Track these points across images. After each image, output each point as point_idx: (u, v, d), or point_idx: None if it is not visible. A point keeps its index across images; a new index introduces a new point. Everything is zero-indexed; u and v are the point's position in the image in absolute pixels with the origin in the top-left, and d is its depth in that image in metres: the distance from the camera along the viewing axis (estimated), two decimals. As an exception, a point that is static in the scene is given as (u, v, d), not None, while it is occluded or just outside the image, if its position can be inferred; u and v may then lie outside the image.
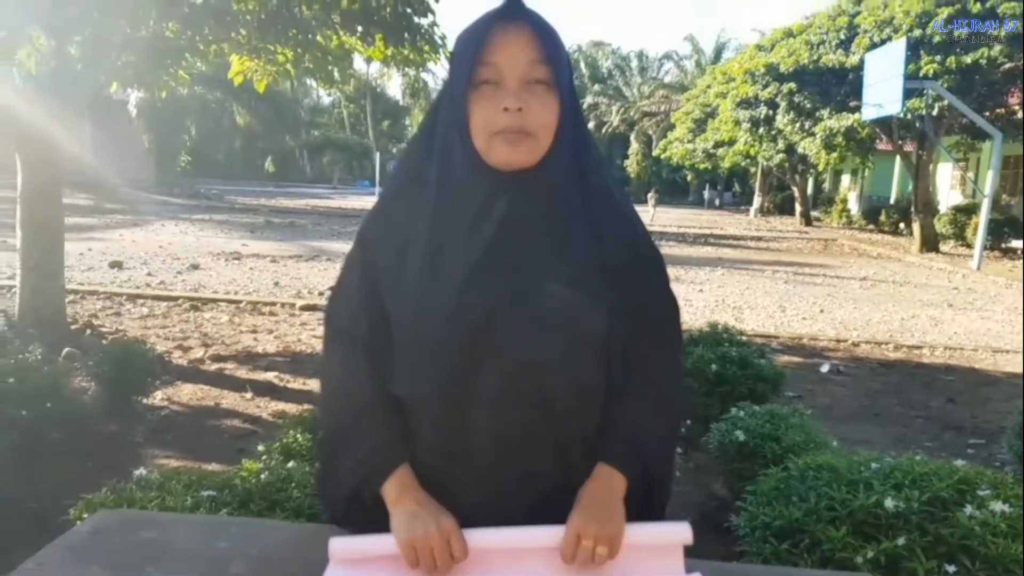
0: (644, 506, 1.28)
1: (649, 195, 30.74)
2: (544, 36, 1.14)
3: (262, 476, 2.33)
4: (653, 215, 28.64)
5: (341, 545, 1.15)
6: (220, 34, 6.01)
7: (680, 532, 1.20)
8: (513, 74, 1.13)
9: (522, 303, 1.15)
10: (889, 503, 1.78)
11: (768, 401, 3.80)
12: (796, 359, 6.67)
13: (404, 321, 1.19)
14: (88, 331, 6.31)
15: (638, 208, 1.34)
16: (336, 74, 7.00)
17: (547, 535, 1.16)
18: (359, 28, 6.29)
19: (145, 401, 4.63)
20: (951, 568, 1.66)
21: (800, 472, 2.04)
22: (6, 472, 3.31)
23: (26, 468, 3.44)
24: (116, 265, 10.28)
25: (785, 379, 4.25)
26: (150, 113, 26.59)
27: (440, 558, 1.12)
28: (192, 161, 33.64)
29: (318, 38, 6.44)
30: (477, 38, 1.13)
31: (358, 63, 7.40)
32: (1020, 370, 6.48)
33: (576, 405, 1.20)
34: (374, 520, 1.19)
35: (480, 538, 1.15)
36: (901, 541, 1.72)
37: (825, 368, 6.32)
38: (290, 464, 2.57)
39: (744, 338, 4.55)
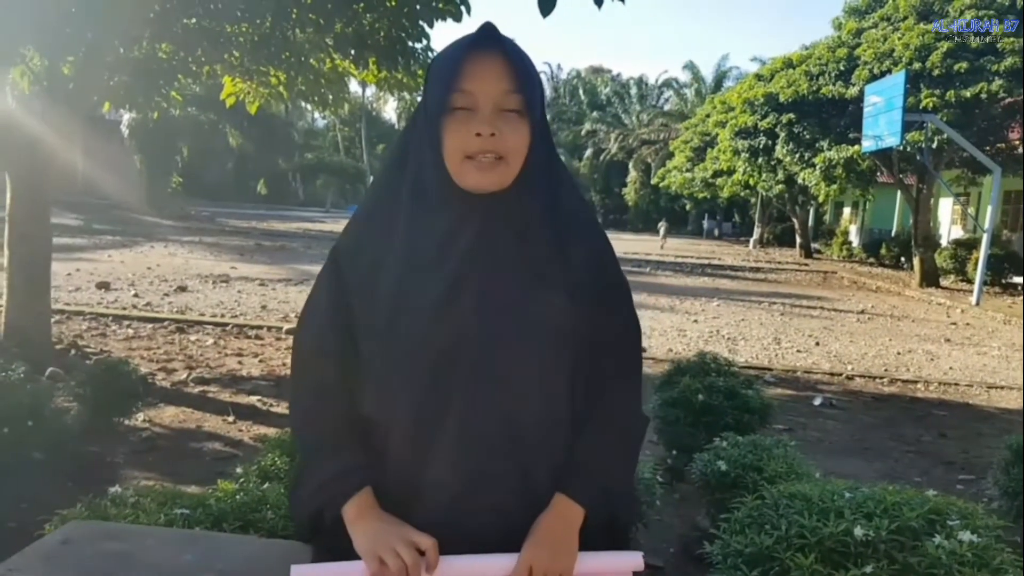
0: (606, 533, 1.28)
1: (660, 225, 32.69)
2: (517, 66, 1.16)
3: (237, 497, 2.34)
4: (663, 244, 29.31)
5: (303, 571, 1.14)
6: (213, 56, 6.06)
7: (631, 561, 1.20)
8: (487, 102, 1.15)
9: (490, 327, 1.16)
10: (858, 531, 1.76)
11: (755, 432, 3.75)
12: (789, 391, 6.63)
13: (374, 342, 1.20)
14: (73, 351, 6.28)
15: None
16: (330, 97, 7.06)
17: (500, 564, 1.15)
18: (352, 51, 6.33)
19: (127, 422, 4.60)
20: (917, 596, 1.63)
21: (774, 500, 2.01)
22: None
23: (5, 486, 3.41)
24: (103, 286, 10.27)
25: (773, 410, 4.20)
26: (142, 133, 26.72)
27: (409, 559, 1.11)
28: (184, 182, 33.70)
29: (311, 61, 6.51)
30: (452, 65, 1.15)
31: (353, 86, 7.46)
32: (1015, 406, 6.44)
33: (542, 429, 1.21)
34: (337, 539, 1.20)
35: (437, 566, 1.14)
36: (869, 569, 1.70)
37: (817, 401, 6.27)
38: (265, 485, 2.55)
39: (734, 369, 4.49)
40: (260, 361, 6.55)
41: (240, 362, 6.49)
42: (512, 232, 1.19)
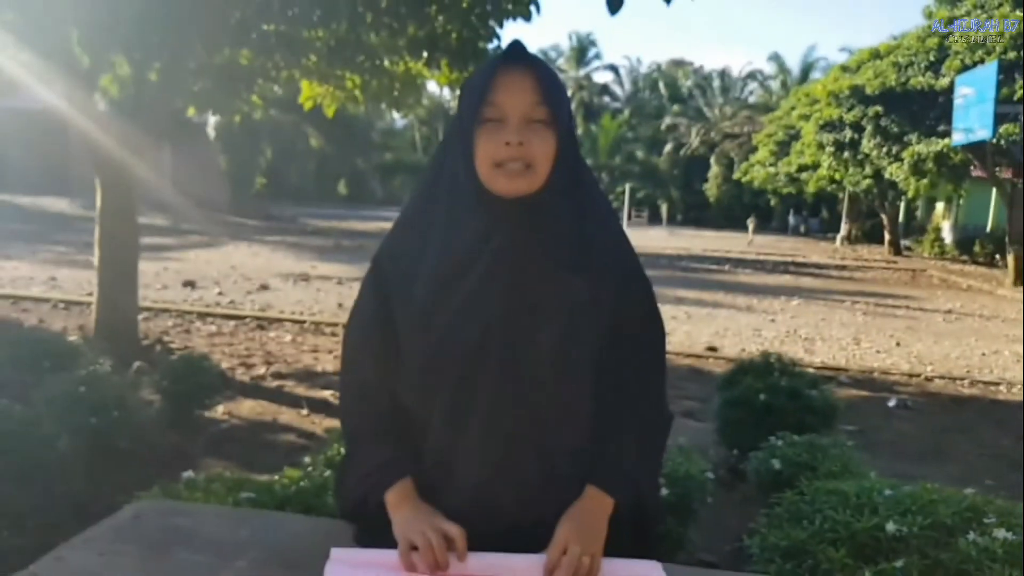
0: (634, 533, 1.35)
1: (749, 220, 32.50)
2: (544, 80, 1.25)
3: (301, 483, 2.47)
4: (752, 240, 28.96)
5: (341, 554, 1.24)
6: (290, 61, 6.29)
7: (652, 571, 1.25)
8: (515, 113, 1.23)
9: (516, 326, 1.25)
10: (891, 527, 1.78)
11: (819, 433, 3.70)
12: (863, 393, 6.47)
13: (411, 339, 1.29)
14: (158, 347, 6.60)
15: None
16: (406, 98, 7.22)
17: (528, 563, 1.21)
18: (424, 53, 6.47)
19: (207, 414, 4.81)
20: (946, 591, 1.63)
21: (812, 496, 2.01)
22: (75, 476, 3.52)
23: (92, 472, 3.64)
24: (189, 284, 10.71)
25: (838, 411, 4.14)
26: (227, 136, 27.51)
27: (438, 551, 1.19)
28: (267, 183, 34.66)
29: (385, 64, 6.67)
30: (484, 80, 1.24)
31: (432, 86, 7.62)
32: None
33: (565, 422, 1.29)
34: (378, 521, 1.30)
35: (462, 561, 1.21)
36: (899, 564, 1.70)
37: (892, 403, 6.10)
38: (327, 473, 2.66)
39: (799, 369, 4.43)
40: (335, 357, 6.75)
41: (316, 358, 6.71)
42: (539, 235, 1.27)
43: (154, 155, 6.04)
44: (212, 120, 25.21)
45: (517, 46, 1.27)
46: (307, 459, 3.08)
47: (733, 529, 3.49)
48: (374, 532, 1.31)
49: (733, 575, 1.46)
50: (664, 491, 2.65)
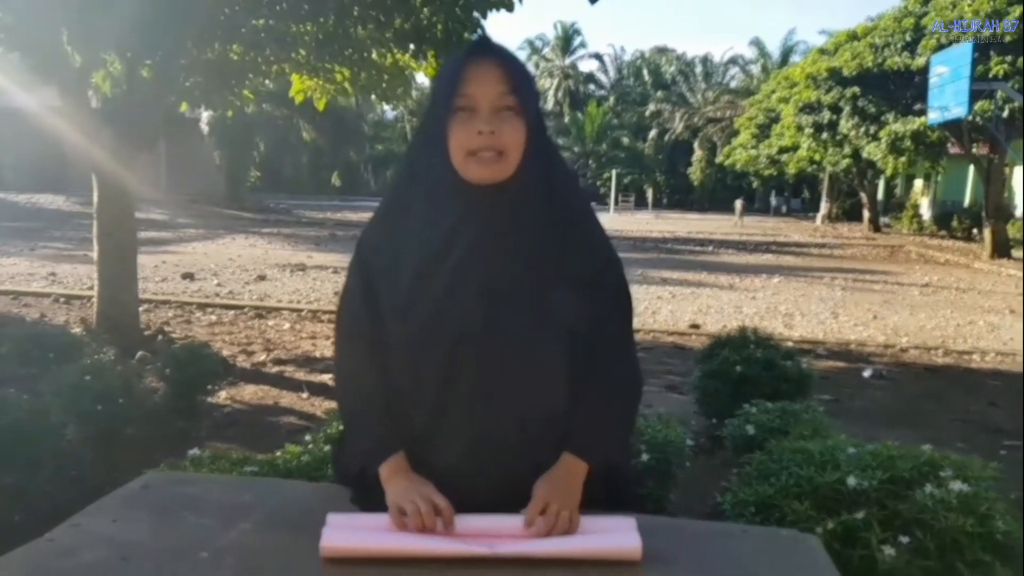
0: (612, 492, 1.46)
1: (737, 203, 32.94)
2: (512, 70, 1.32)
3: (302, 458, 2.60)
4: (741, 222, 30.22)
5: (337, 519, 1.32)
6: (281, 55, 6.37)
7: (626, 526, 1.31)
8: (485, 103, 1.31)
9: (494, 307, 1.33)
10: (851, 481, 1.94)
11: (793, 401, 3.90)
12: (840, 364, 6.69)
13: (397, 323, 1.37)
14: (160, 337, 6.70)
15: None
16: (394, 90, 7.31)
17: (510, 522, 1.31)
18: (411, 46, 6.56)
19: (210, 400, 4.92)
20: (904, 539, 1.82)
21: (779, 455, 2.20)
22: (84, 461, 3.65)
23: (102, 457, 3.78)
24: (188, 276, 10.83)
25: (811, 380, 4.33)
26: (221, 131, 27.37)
27: (426, 517, 1.28)
28: (261, 176, 34.53)
29: (373, 56, 6.76)
30: (454, 72, 1.32)
31: (421, 77, 7.69)
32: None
33: (540, 397, 1.39)
34: (372, 490, 1.41)
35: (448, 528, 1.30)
36: (860, 515, 1.87)
37: (867, 373, 6.32)
38: (327, 448, 2.82)
39: (773, 341, 4.63)
40: (332, 343, 6.87)
41: (314, 344, 6.85)
42: (513, 218, 1.34)
43: (149, 151, 6.13)
44: (205, 115, 25.10)
45: (484, 39, 1.37)
46: (308, 437, 3.23)
47: (711, 492, 3.69)
48: (369, 495, 1.41)
49: (700, 523, 1.60)
50: (645, 457, 2.84)
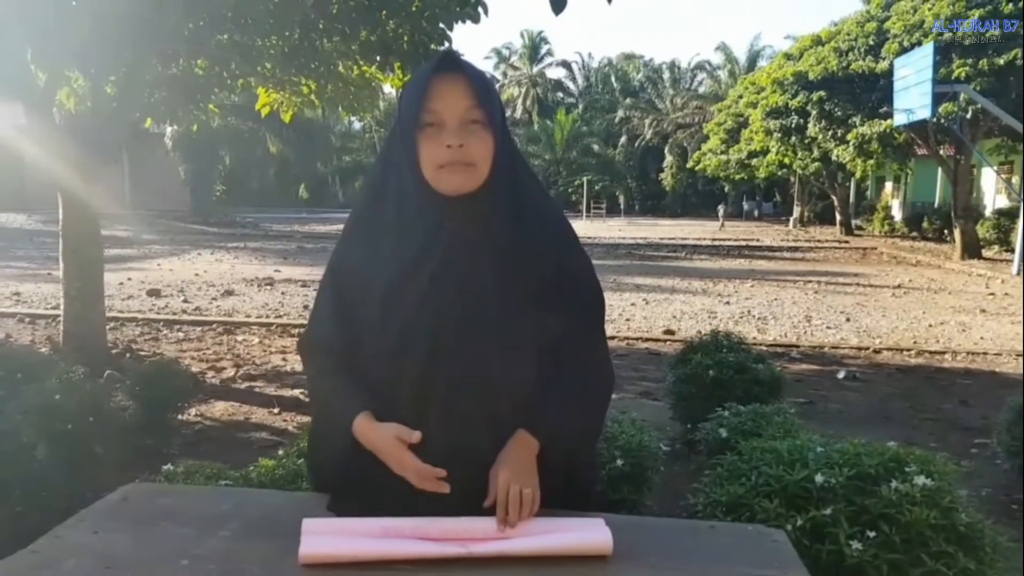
0: (574, 489, 1.47)
1: (719, 208, 34.41)
2: (477, 84, 1.34)
3: (276, 472, 2.60)
4: (722, 225, 31.32)
5: (313, 524, 1.32)
6: (246, 69, 6.33)
7: (596, 526, 1.33)
8: (452, 117, 1.33)
9: (468, 314, 1.35)
10: (819, 478, 1.96)
11: (766, 404, 3.92)
12: (814, 367, 6.75)
13: (372, 334, 1.39)
14: (128, 355, 6.63)
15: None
16: (361, 102, 7.30)
17: (481, 525, 1.31)
18: (377, 57, 6.56)
19: (180, 417, 4.89)
20: (871, 533, 1.84)
21: (749, 455, 2.21)
22: (56, 482, 3.58)
23: (72, 477, 3.72)
24: (154, 293, 10.73)
25: (783, 382, 4.37)
26: (185, 145, 27.27)
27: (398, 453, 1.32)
28: (227, 190, 34.38)
29: (339, 69, 6.75)
30: (420, 88, 1.34)
31: (388, 88, 7.69)
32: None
33: (512, 398, 1.40)
34: (348, 496, 1.43)
35: (420, 521, 1.31)
36: (828, 511, 1.89)
37: (841, 374, 6.39)
38: (300, 461, 2.80)
39: (745, 345, 4.65)
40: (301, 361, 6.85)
41: (284, 359, 6.80)
42: (483, 227, 1.37)
43: (113, 167, 6.07)
44: (169, 130, 24.90)
45: (448, 54, 1.38)
46: (280, 452, 3.20)
47: (685, 495, 3.71)
48: (345, 501, 1.42)
49: (669, 520, 1.60)
50: (619, 462, 2.85)
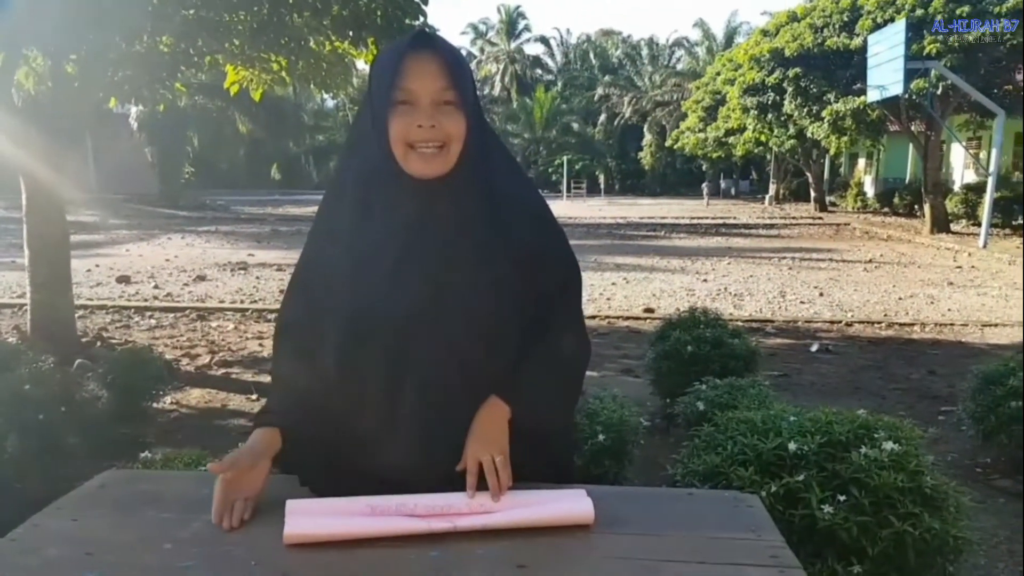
0: (551, 461, 1.48)
1: (703, 186, 35.47)
2: (451, 64, 1.32)
3: None
4: (707, 203, 31.84)
5: (296, 505, 1.32)
6: (213, 45, 6.17)
7: (577, 497, 1.34)
8: (425, 97, 1.31)
9: (440, 295, 1.34)
10: (792, 446, 1.99)
11: (742, 378, 3.96)
12: (788, 341, 6.83)
13: (340, 316, 1.37)
14: (99, 343, 6.54)
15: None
16: (334, 79, 7.17)
17: (456, 499, 1.32)
18: (350, 33, 6.43)
19: (155, 405, 4.84)
20: (842, 498, 1.89)
21: (725, 426, 2.23)
22: (29, 473, 3.54)
23: (45, 468, 3.67)
24: (124, 280, 10.56)
25: (758, 356, 4.43)
26: (151, 126, 26.63)
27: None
28: (196, 172, 33.79)
29: (311, 44, 6.61)
30: (393, 65, 1.31)
31: (361, 64, 7.56)
32: (1007, 341, 6.59)
33: (492, 371, 1.40)
34: (322, 472, 1.42)
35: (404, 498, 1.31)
36: (800, 477, 1.92)
37: (814, 347, 6.47)
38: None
39: (722, 321, 4.70)
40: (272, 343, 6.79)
41: (261, 344, 6.74)
42: (455, 210, 1.35)
43: (77, 150, 5.94)
44: (134, 110, 24.45)
45: (423, 32, 1.36)
46: (259, 438, 3.18)
47: (665, 467, 3.74)
48: (317, 476, 1.43)
49: (648, 489, 1.62)
50: (601, 437, 2.88)
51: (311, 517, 1.28)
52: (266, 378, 5.59)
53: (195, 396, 5.23)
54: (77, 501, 1.44)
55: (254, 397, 5.18)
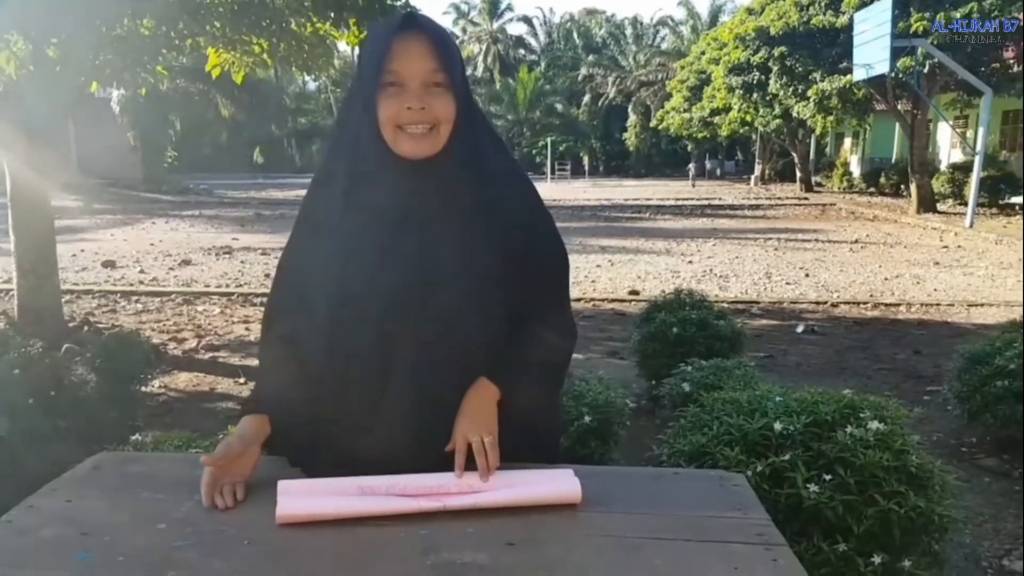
0: (536, 443, 1.48)
1: (690, 166, 35.56)
2: (441, 46, 1.32)
3: None
4: (693, 184, 32.14)
5: (288, 485, 1.33)
6: (194, 28, 6.11)
7: (565, 476, 1.36)
8: (415, 79, 1.31)
9: (430, 273, 1.35)
10: (778, 426, 2.01)
11: (727, 359, 4.00)
12: (774, 322, 6.87)
13: (327, 297, 1.38)
14: (86, 328, 6.53)
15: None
16: (315, 61, 7.11)
17: (446, 479, 1.33)
18: (332, 14, 6.39)
19: (144, 389, 4.83)
20: (827, 477, 1.91)
21: (711, 406, 2.26)
22: (20, 457, 3.54)
23: (36, 452, 3.67)
24: (109, 264, 10.52)
25: (743, 337, 4.46)
26: (133, 110, 26.42)
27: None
28: (179, 156, 33.54)
29: (292, 26, 6.55)
30: (382, 47, 1.31)
31: (343, 46, 7.48)
32: (993, 321, 6.65)
33: (481, 352, 1.40)
34: (310, 451, 1.43)
35: (394, 479, 1.33)
36: (786, 457, 1.95)
37: (800, 328, 6.51)
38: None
39: (707, 302, 4.72)
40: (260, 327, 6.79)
41: (247, 328, 6.74)
42: (443, 191, 1.36)
43: (59, 135, 5.89)
44: (116, 94, 24.18)
45: (411, 13, 1.35)
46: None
47: (650, 448, 3.78)
48: (306, 462, 1.44)
49: (634, 468, 1.64)
50: (587, 419, 2.91)
51: (302, 497, 1.29)
52: (253, 361, 5.59)
53: (183, 380, 5.23)
54: (71, 483, 1.44)
55: (242, 380, 5.18)
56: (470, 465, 1.34)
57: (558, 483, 1.33)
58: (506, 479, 1.34)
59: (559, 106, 48.99)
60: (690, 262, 11.02)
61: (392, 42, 1.31)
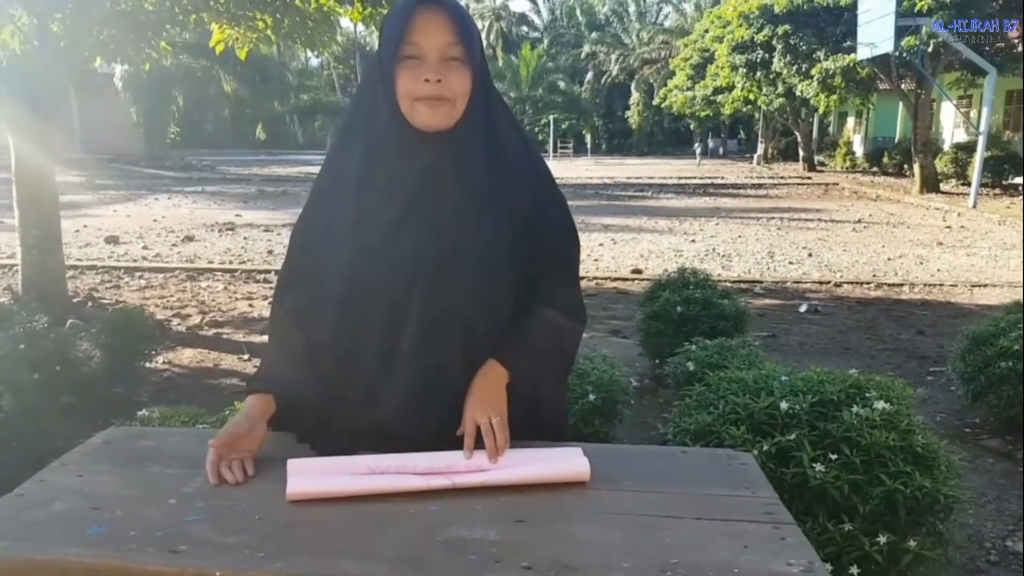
0: (541, 427, 1.49)
1: (696, 146, 35.46)
2: (458, 20, 1.34)
3: None
4: (700, 162, 31.98)
5: (297, 464, 1.34)
6: (199, 3, 6.09)
7: (573, 453, 1.37)
8: (433, 52, 1.33)
9: (442, 244, 1.36)
10: (784, 405, 2.02)
11: (731, 338, 4.00)
12: (777, 301, 6.87)
13: (341, 266, 1.39)
14: (89, 303, 6.55)
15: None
16: (319, 37, 7.08)
17: (452, 457, 1.35)
18: (335, -10, 6.36)
19: (148, 365, 4.85)
20: (833, 456, 1.92)
21: (716, 385, 2.26)
22: (26, 432, 3.56)
23: (42, 426, 3.69)
24: (112, 240, 10.52)
25: (747, 317, 4.46)
26: (136, 86, 26.35)
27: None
28: (182, 132, 33.49)
29: (296, 2, 6.52)
30: (402, 21, 1.33)
31: (346, 22, 7.45)
32: (996, 302, 6.65)
33: (488, 327, 1.42)
34: (320, 431, 1.45)
35: (404, 457, 1.34)
36: (792, 436, 1.95)
37: (803, 308, 6.51)
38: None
39: (711, 281, 4.72)
40: (270, 303, 6.79)
41: (251, 304, 6.76)
42: (457, 163, 1.38)
43: (63, 110, 5.87)
44: (119, 70, 24.06)
45: None
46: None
47: (654, 426, 3.80)
48: (312, 438, 1.45)
49: (642, 447, 1.65)
50: (591, 397, 2.91)
51: (312, 476, 1.30)
52: (257, 338, 5.62)
53: (187, 356, 5.24)
54: (82, 457, 1.46)
55: (246, 357, 5.19)
56: (480, 446, 1.35)
57: (567, 461, 1.34)
58: (515, 457, 1.35)
59: (562, 84, 48.66)
60: (693, 241, 11.00)
61: (412, 15, 1.33)
